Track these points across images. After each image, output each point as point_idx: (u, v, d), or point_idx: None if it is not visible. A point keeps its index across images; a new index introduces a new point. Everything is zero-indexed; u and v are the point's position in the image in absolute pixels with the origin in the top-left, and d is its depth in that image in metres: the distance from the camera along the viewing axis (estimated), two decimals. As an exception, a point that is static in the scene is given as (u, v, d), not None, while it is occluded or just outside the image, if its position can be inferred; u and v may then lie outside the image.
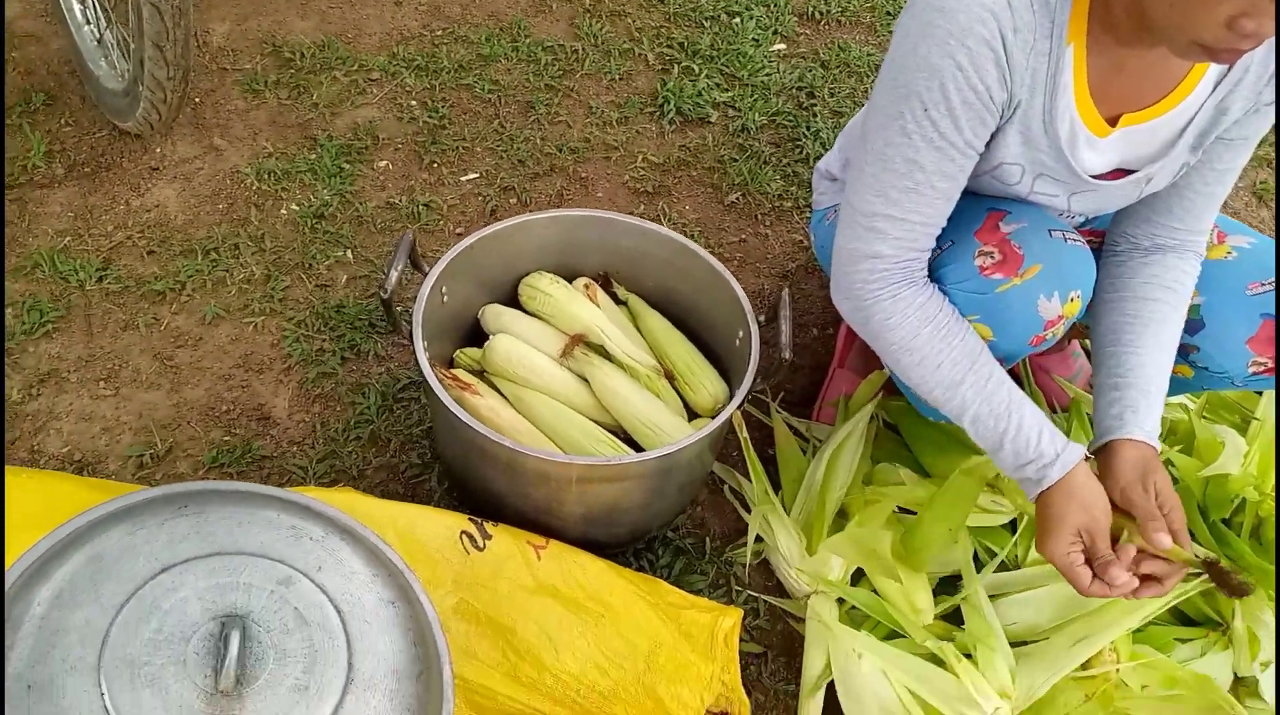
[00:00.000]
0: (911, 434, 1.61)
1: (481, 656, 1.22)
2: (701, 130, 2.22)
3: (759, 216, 2.07)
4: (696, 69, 2.33)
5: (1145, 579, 1.19)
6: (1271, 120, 1.26)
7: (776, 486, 1.60)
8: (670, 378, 1.50)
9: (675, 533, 1.56)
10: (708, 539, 1.57)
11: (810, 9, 2.54)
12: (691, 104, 2.24)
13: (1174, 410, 1.71)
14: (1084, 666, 1.40)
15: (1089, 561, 1.19)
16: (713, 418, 1.39)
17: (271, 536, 1.07)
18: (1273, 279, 1.40)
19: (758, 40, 2.44)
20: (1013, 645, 1.42)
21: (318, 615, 1.03)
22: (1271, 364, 1.41)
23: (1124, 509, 1.22)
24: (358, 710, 0.99)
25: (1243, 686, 1.47)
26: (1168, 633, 1.49)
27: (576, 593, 1.28)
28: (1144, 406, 1.28)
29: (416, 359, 1.31)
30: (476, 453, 1.33)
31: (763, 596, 1.52)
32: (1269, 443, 1.62)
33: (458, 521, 1.29)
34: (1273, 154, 2.32)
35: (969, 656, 1.40)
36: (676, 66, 2.33)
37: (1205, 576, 1.19)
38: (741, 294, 1.45)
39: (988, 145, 1.20)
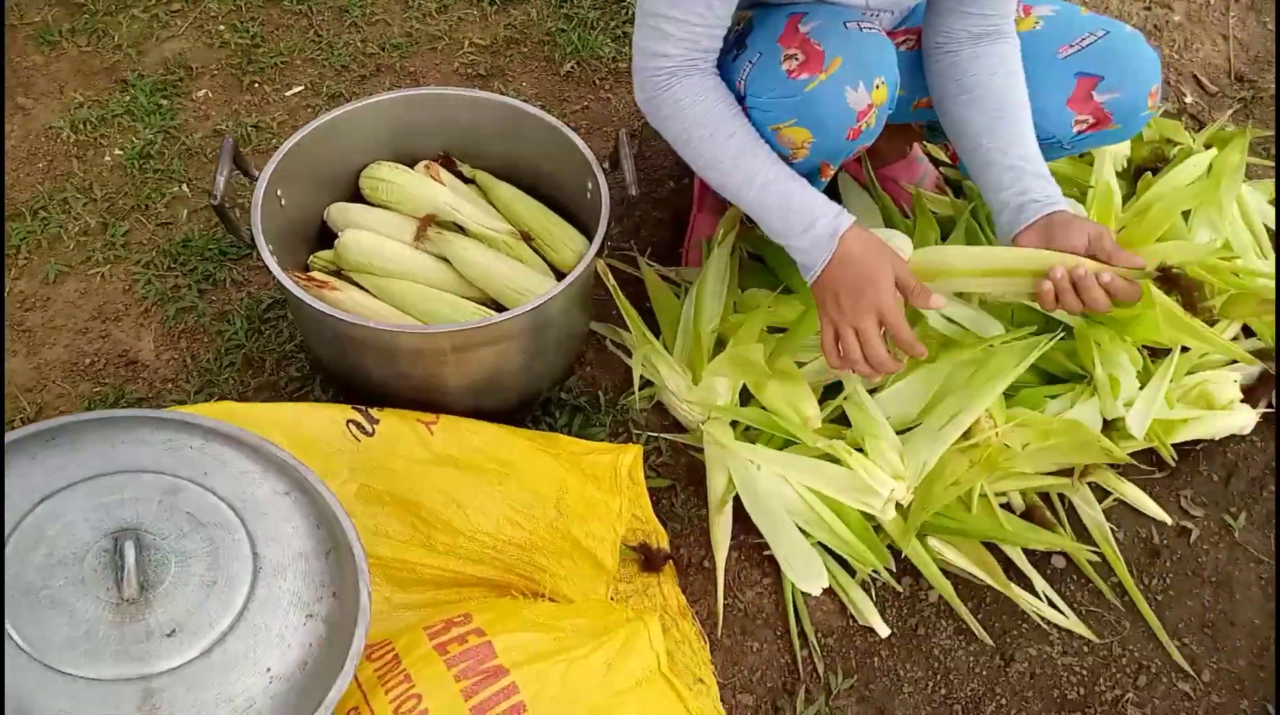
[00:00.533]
0: (774, 257, 1.65)
1: (393, 534, 1.25)
2: (524, 7, 2.19)
3: (597, 82, 2.06)
4: (508, -53, 2.28)
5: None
6: None
7: (657, 334, 1.64)
8: (530, 241, 1.51)
9: (568, 394, 1.59)
10: (600, 393, 1.60)
11: None
12: (510, -19, 2.20)
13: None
14: (965, 437, 1.49)
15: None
16: (578, 271, 1.41)
17: (149, 452, 1.06)
18: (1080, 38, 1.47)
19: (566, -91, 2.39)
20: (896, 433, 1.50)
21: (213, 515, 1.03)
22: (1093, 120, 1.48)
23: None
24: (271, 593, 1.00)
25: (1114, 430, 1.58)
26: (1037, 393, 1.59)
27: (475, 457, 1.31)
28: (1047, 182, 1.38)
29: (267, 266, 1.30)
30: (349, 345, 1.33)
31: (661, 436, 1.57)
32: (1105, 207, 1.71)
33: (341, 412, 1.30)
34: None
35: (860, 451, 1.48)
36: (487, -53, 2.28)
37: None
38: (583, 146, 1.46)
39: None
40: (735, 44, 1.37)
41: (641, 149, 1.95)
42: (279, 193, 1.39)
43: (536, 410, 1.56)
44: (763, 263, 1.70)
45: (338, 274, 1.49)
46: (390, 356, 1.32)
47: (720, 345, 1.59)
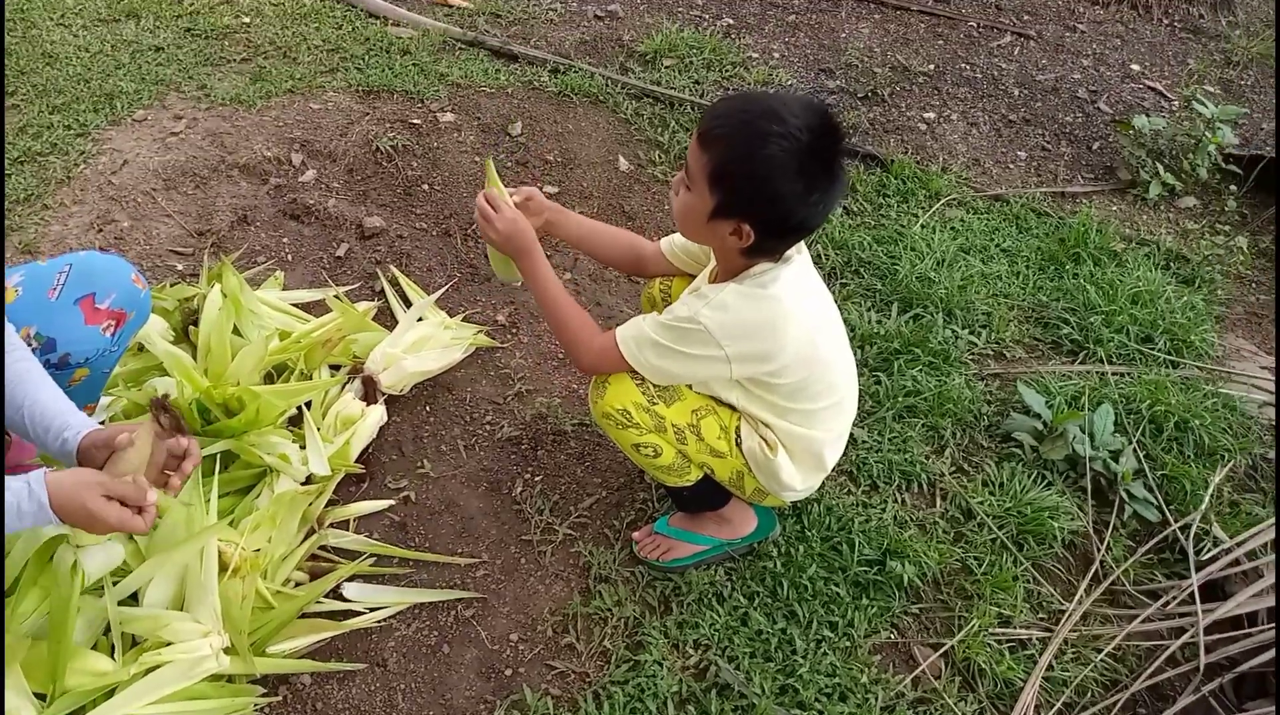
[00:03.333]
0: None
1: None
2: None
3: None
4: None
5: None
6: None
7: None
8: None
9: None
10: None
11: None
12: None
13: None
14: (225, 568, 1.66)
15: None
16: None
17: None
18: (57, 279, 1.67)
19: None
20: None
21: None
22: (114, 322, 1.70)
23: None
24: None
25: (317, 480, 1.90)
26: (248, 504, 1.82)
27: None
28: (73, 414, 1.53)
29: None
30: None
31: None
32: (183, 368, 1.96)
33: None
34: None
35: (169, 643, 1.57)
36: None
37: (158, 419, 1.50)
38: None
39: None
40: None
41: None
42: None
43: None
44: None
45: None
46: None
47: None
